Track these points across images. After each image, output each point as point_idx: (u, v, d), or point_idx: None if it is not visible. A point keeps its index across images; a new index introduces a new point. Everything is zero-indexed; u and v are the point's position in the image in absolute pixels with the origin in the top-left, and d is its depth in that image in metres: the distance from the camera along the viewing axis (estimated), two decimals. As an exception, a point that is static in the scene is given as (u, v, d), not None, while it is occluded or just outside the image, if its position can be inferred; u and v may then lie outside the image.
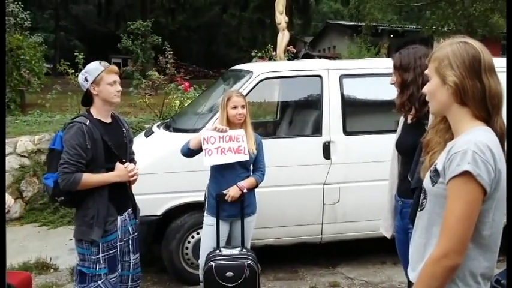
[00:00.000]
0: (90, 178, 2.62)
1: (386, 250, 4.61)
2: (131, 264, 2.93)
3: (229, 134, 3.29)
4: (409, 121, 2.68)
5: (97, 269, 2.71)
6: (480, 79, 1.51)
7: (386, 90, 4.50)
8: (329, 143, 4.10)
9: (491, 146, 1.46)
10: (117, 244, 2.79)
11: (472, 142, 1.45)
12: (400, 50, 2.76)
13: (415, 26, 21.49)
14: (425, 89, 1.64)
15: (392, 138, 4.35)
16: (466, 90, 1.51)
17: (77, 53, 7.84)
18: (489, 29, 16.15)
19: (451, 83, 1.52)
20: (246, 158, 3.30)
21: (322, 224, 4.19)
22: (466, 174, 1.43)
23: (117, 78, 2.77)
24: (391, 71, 4.74)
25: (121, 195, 2.83)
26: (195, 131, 3.96)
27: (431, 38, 21.04)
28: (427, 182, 1.60)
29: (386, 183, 4.17)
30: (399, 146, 2.76)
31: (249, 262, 3.22)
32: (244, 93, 3.79)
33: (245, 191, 3.34)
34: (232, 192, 3.32)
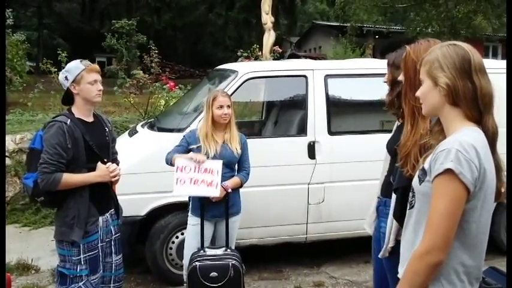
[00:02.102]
0: (70, 178, 2.58)
1: (370, 249, 4.66)
2: (113, 265, 2.89)
3: (206, 166, 3.20)
4: (398, 123, 2.71)
5: (78, 270, 2.66)
6: (471, 79, 1.52)
7: (371, 91, 4.57)
8: (314, 143, 4.10)
9: (476, 145, 1.46)
10: (99, 245, 2.75)
11: (457, 141, 1.46)
12: (397, 49, 2.77)
13: (399, 27, 21.69)
14: (418, 93, 1.66)
15: (376, 138, 4.40)
16: (457, 91, 1.52)
17: (60, 52, 7.74)
18: (472, 31, 16.36)
19: (443, 85, 1.53)
20: (216, 193, 3.22)
21: (306, 223, 4.20)
22: (448, 172, 1.44)
23: (99, 77, 2.72)
24: (375, 71, 4.79)
25: (103, 195, 2.78)
26: (180, 130, 3.94)
27: (415, 39, 21.24)
28: (415, 181, 1.62)
29: (371, 183, 4.20)
30: (388, 146, 2.80)
31: (234, 262, 3.20)
32: (230, 92, 3.78)
33: (229, 191, 3.33)
34: None
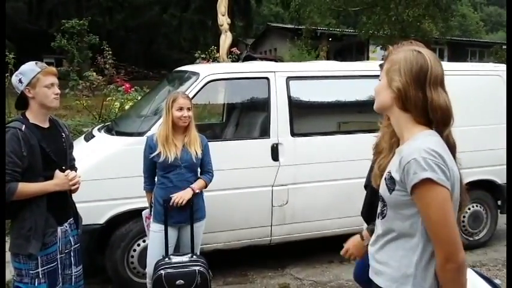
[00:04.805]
0: (26, 188, 2.42)
1: (333, 249, 4.71)
2: (73, 277, 2.75)
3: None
4: None
5: (36, 284, 2.51)
6: (423, 90, 1.52)
7: (332, 92, 4.63)
8: (277, 144, 4.10)
9: (439, 150, 1.48)
10: (58, 257, 2.61)
11: (420, 149, 1.46)
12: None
13: (352, 30, 22.23)
14: (374, 87, 1.67)
15: (338, 139, 4.46)
16: (408, 98, 1.53)
17: (7, 53, 7.34)
18: (421, 34, 17.02)
19: (395, 88, 1.55)
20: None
21: (271, 226, 4.19)
22: (426, 181, 1.44)
23: (55, 80, 2.59)
24: (336, 73, 4.83)
25: (61, 204, 2.64)
26: (140, 134, 3.82)
27: (367, 42, 21.90)
28: (383, 190, 1.60)
29: (334, 184, 4.29)
30: None
31: (200, 269, 3.14)
32: (191, 95, 3.71)
33: (197, 191, 3.29)
34: (181, 193, 3.23)
